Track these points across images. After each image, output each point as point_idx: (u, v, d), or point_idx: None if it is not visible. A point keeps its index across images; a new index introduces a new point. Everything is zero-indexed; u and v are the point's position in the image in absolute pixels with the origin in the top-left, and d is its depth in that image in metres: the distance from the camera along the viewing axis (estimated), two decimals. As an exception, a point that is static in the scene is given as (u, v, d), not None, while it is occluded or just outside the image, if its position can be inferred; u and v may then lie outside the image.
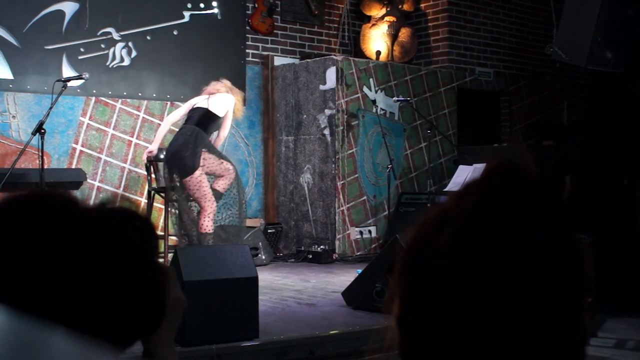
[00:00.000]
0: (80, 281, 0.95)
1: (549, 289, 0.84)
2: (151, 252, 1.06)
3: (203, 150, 6.86)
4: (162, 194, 7.24)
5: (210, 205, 6.82)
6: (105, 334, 0.96)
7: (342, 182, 8.62)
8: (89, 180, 7.75)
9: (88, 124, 7.99)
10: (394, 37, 10.06)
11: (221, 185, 7.03)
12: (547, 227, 0.86)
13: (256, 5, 9.32)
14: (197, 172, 6.79)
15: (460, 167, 8.00)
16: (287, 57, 9.54)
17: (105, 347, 0.94)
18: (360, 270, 6.00)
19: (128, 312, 1.00)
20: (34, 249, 0.94)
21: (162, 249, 6.93)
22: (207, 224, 6.82)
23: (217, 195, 6.96)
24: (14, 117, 7.53)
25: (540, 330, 0.83)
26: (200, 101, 7.12)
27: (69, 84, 6.72)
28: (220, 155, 7.13)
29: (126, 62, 8.26)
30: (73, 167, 7.79)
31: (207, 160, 6.90)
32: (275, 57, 9.43)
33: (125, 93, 8.20)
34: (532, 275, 0.83)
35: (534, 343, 0.83)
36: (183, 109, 7.23)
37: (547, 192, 0.88)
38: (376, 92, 8.99)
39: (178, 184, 6.85)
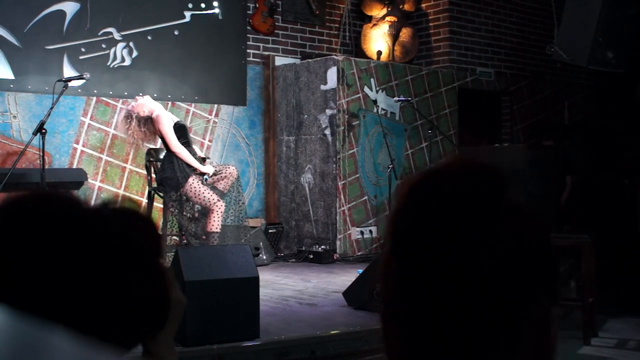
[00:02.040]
0: (85, 282, 0.95)
1: (487, 275, 0.84)
2: (155, 253, 1.06)
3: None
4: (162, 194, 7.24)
5: (217, 205, 6.83)
6: (110, 335, 0.96)
7: (343, 182, 8.62)
8: (89, 180, 7.75)
9: (89, 124, 7.99)
10: (395, 37, 10.06)
11: (222, 184, 7.04)
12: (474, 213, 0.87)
13: (257, 5, 9.31)
14: (190, 180, 6.82)
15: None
16: (288, 57, 9.54)
17: (110, 348, 0.95)
18: (361, 270, 6.00)
19: (133, 313, 1.00)
20: (38, 249, 0.94)
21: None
22: (214, 223, 6.82)
23: (219, 194, 6.97)
24: (15, 117, 7.53)
25: (487, 317, 0.84)
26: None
27: (70, 84, 6.72)
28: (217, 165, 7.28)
29: (127, 62, 8.26)
30: (74, 167, 7.79)
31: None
32: (276, 57, 9.43)
33: (126, 93, 8.20)
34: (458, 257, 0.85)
35: (482, 332, 0.84)
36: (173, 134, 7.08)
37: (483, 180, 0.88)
38: (377, 92, 8.99)
39: (176, 196, 6.95)
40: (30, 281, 0.92)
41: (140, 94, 7.17)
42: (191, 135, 8.61)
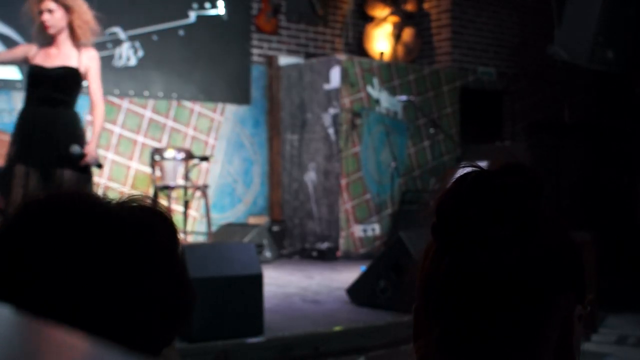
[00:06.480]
0: (108, 283, 0.94)
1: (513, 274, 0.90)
2: (175, 250, 1.04)
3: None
4: (168, 192, 7.28)
5: None
6: (138, 338, 0.95)
7: (346, 180, 8.68)
8: (95, 179, 7.80)
9: (95, 123, 8.05)
10: (397, 37, 10.12)
11: None
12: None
13: (261, 6, 9.38)
14: None
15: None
16: (291, 56, 9.60)
17: (137, 353, 0.93)
18: (364, 267, 6.04)
19: (160, 315, 0.99)
20: (59, 250, 0.93)
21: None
22: None
23: None
24: (22, 116, 7.60)
25: (515, 302, 0.90)
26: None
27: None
28: None
29: (133, 62, 8.33)
30: (80, 165, 7.85)
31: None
32: (280, 57, 9.49)
33: (131, 92, 8.27)
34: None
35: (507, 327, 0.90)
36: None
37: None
38: (380, 91, 9.05)
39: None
40: (53, 283, 0.91)
41: None
42: (196, 133, 8.68)
